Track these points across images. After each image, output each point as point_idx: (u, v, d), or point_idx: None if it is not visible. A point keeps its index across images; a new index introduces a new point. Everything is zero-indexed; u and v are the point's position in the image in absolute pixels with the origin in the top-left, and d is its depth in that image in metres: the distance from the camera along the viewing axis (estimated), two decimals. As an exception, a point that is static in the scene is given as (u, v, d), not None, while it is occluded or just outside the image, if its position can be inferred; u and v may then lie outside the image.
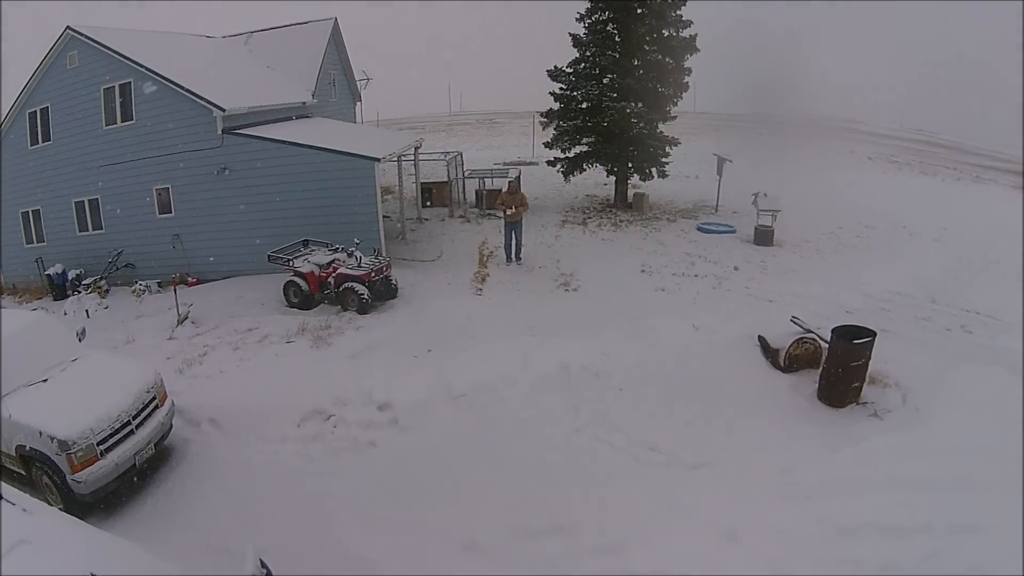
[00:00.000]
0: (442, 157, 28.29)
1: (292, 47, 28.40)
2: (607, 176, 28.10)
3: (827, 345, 12.74)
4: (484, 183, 27.36)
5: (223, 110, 20.13)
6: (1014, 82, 37.09)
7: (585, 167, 27.39)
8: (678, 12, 25.66)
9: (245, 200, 20.86)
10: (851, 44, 55.98)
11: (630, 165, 26.96)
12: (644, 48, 25.99)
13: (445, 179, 28.19)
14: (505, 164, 35.81)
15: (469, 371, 13.40)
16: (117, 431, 10.33)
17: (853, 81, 52.17)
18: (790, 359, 13.49)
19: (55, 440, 9.64)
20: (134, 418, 10.67)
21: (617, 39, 26.07)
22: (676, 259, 20.84)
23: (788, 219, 22.72)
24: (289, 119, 24.25)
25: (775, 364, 13.67)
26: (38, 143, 22.64)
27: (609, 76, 26.38)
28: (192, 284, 21.02)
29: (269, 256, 18.46)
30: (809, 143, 40.49)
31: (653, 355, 14.12)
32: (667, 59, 25.99)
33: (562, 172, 27.34)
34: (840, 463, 10.55)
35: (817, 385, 12.74)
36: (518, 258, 20.71)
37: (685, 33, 25.79)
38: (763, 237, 22.53)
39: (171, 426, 11.68)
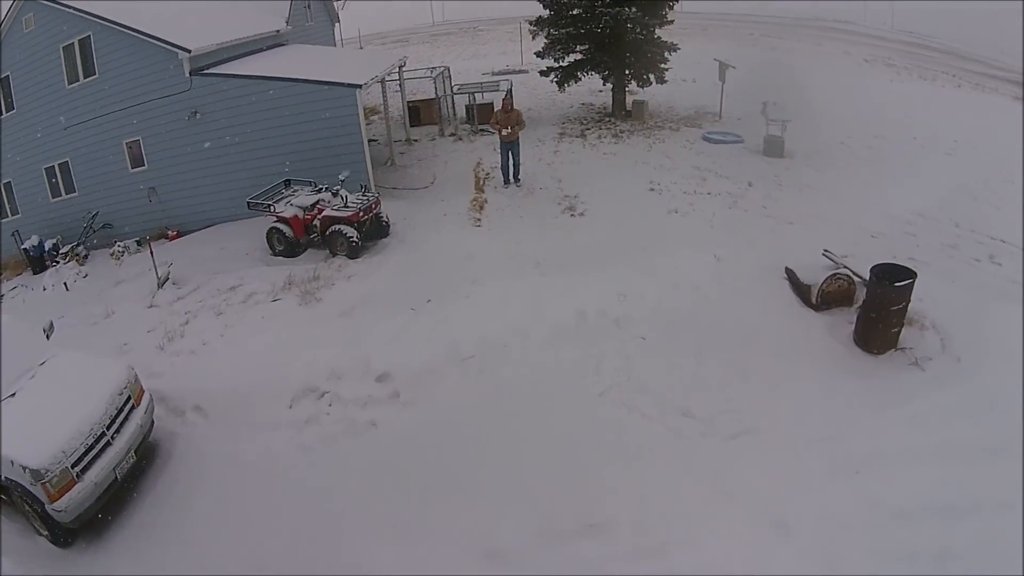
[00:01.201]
0: (428, 73, 26.16)
1: None
2: (603, 84, 26.07)
3: (860, 280, 11.97)
4: (474, 98, 25.31)
5: (188, 51, 18.12)
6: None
7: (580, 76, 25.42)
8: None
9: (220, 143, 19.01)
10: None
11: (627, 72, 25.01)
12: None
13: (433, 96, 26.21)
14: (494, 74, 33.87)
15: (475, 325, 11.99)
16: (92, 447, 8.98)
17: None
18: (823, 296, 12.21)
19: (27, 470, 8.34)
20: (109, 427, 9.30)
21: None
22: (685, 174, 19.23)
23: (795, 127, 21.03)
24: (263, 50, 22.26)
25: (806, 301, 12.37)
26: (2, 114, 20.72)
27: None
28: (173, 237, 19.40)
29: (249, 203, 16.71)
30: (802, 43, 39.52)
31: (675, 295, 12.71)
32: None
33: (556, 82, 25.36)
34: (887, 429, 9.48)
35: (853, 328, 11.50)
36: (516, 180, 19.10)
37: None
38: (773, 147, 20.92)
39: (152, 423, 10.31)
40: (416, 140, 24.27)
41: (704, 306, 12.43)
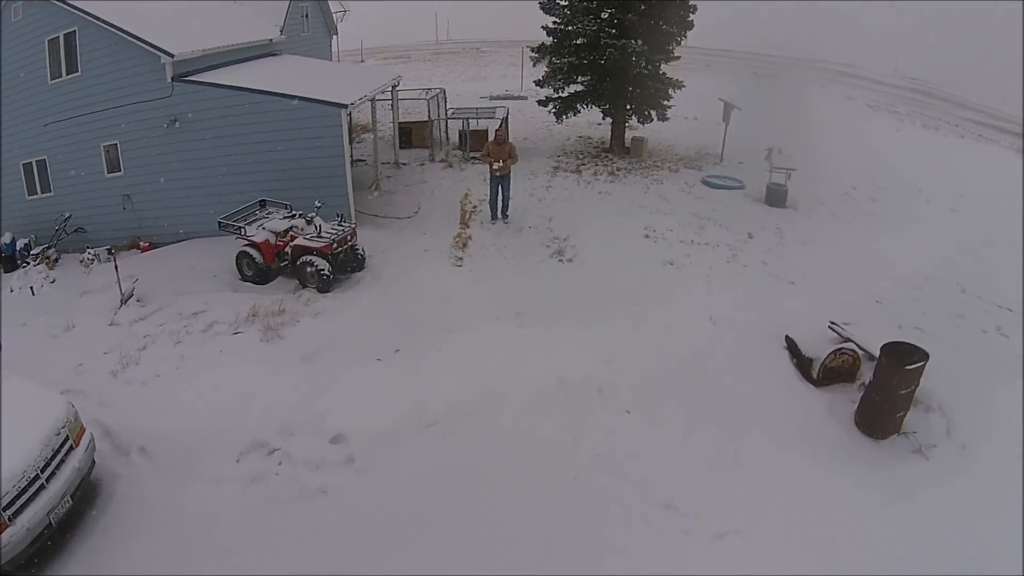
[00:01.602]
0: (423, 94, 25.14)
1: None
2: (603, 118, 25.11)
3: (865, 354, 11.26)
4: (468, 124, 24.23)
5: (171, 55, 17.09)
6: (1013, 40, 38.31)
7: (579, 108, 24.40)
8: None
9: (199, 155, 17.97)
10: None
11: (629, 107, 24.05)
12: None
13: (426, 119, 25.09)
14: (492, 99, 32.98)
15: (445, 383, 10.98)
16: (24, 490, 8.13)
17: (851, 23, 49.75)
18: (825, 372, 11.31)
19: (-43, 510, 7.41)
20: (44, 469, 8.42)
21: (617, -31, 22.89)
22: (683, 221, 18.24)
23: (798, 175, 20.07)
24: (254, 59, 21.32)
25: (806, 375, 11.48)
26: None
27: (608, 10, 23.27)
28: (145, 249, 18.35)
29: (220, 223, 15.69)
30: (806, 85, 38.08)
31: (666, 361, 11.75)
32: (672, -7, 22.91)
33: (554, 113, 24.32)
34: (890, 530, 8.59)
35: (856, 409, 10.58)
36: (505, 215, 18.09)
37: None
38: (776, 197, 19.97)
39: (93, 463, 9.38)
40: (405, 164, 23.24)
41: (697, 376, 11.44)
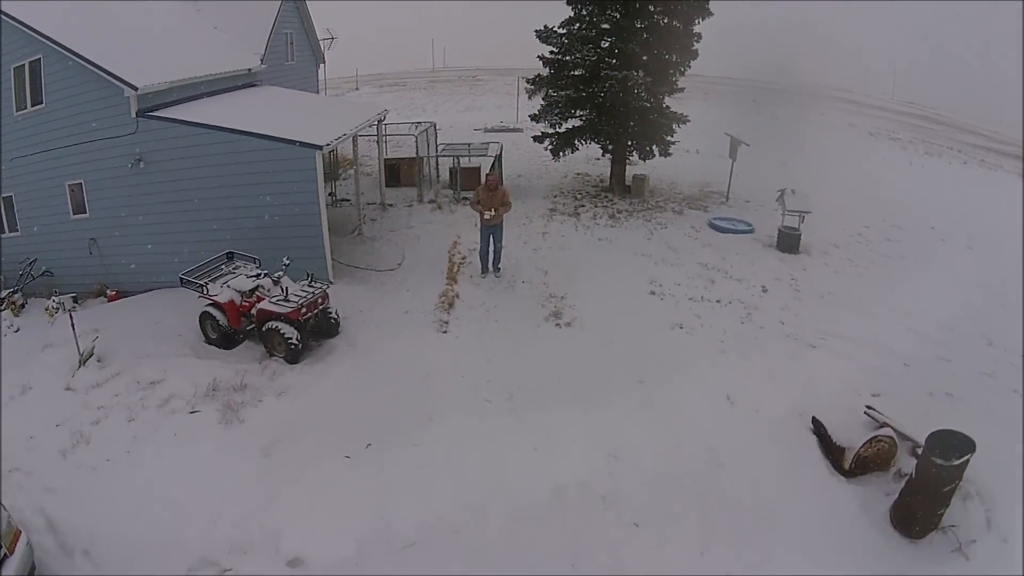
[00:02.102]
0: (412, 128, 23.56)
1: (244, 5, 23.53)
2: (602, 154, 23.55)
3: (901, 437, 10.18)
4: (459, 161, 22.56)
5: (135, 88, 15.46)
6: (1014, 63, 37.51)
7: (578, 144, 22.81)
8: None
9: (166, 198, 16.33)
10: (848, 9, 52.62)
11: (630, 143, 22.50)
12: (648, 9, 21.50)
13: (416, 154, 23.42)
14: (486, 131, 31.46)
15: (421, 492, 9.43)
16: None
17: (848, 48, 49.83)
18: (858, 462, 10.04)
19: None
20: None
21: (618, -3, 21.43)
22: (691, 273, 16.73)
23: (810, 214, 18.76)
24: (231, 90, 19.75)
25: (837, 466, 10.17)
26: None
27: (608, 39, 21.90)
28: (112, 298, 16.85)
29: (181, 279, 14.12)
30: (806, 112, 38.19)
31: (679, 456, 10.21)
32: (674, 22, 21.55)
33: (550, 150, 22.70)
34: None
35: (892, 505, 9.40)
36: (496, 268, 16.48)
37: (697, -7, 21.19)
38: (788, 242, 18.57)
39: (33, 567, 8.21)
40: (391, 205, 21.63)
41: (714, 473, 9.95)
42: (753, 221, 20.42)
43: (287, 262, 13.65)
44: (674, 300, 15.27)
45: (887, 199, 23.32)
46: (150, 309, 15.47)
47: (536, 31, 21.98)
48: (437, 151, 23.97)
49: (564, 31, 21.82)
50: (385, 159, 23.24)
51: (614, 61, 21.43)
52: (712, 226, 20.15)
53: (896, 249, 19.06)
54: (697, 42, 21.89)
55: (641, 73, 20.61)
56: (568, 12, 21.85)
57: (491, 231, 15.92)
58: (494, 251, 16.22)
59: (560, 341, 13.55)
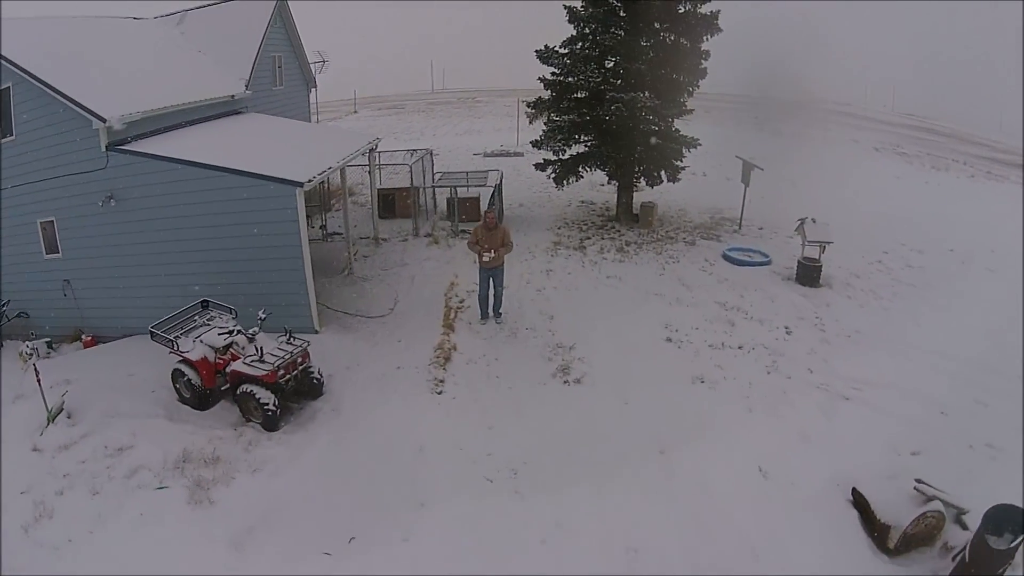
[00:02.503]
0: (407, 156, 22.13)
1: (230, 27, 22.12)
2: (608, 181, 22.12)
3: (943, 503, 9.13)
4: (457, 191, 21.09)
5: (103, 120, 14.09)
6: (1013, 70, 38.12)
7: (582, 172, 21.35)
8: (693, -17, 19.73)
9: (140, 238, 14.98)
10: (847, 21, 51.92)
11: (637, 170, 21.09)
12: (655, 26, 20.08)
13: (411, 183, 21.76)
14: (485, 155, 30.08)
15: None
16: None
17: (845, 60, 48.21)
18: (905, 540, 9.05)
19: None
20: None
21: (622, 14, 20.08)
22: (709, 315, 15.30)
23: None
24: (213, 119, 18.42)
25: (880, 544, 9.16)
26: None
27: (613, 59, 20.45)
28: (88, 344, 15.63)
29: (151, 332, 12.75)
30: (808, 128, 37.09)
31: (708, 546, 8.91)
32: (682, 40, 20.15)
33: (553, 178, 21.26)
34: None
35: None
36: (497, 313, 15.06)
37: (704, 9, 19.86)
38: (809, 275, 17.15)
39: None
40: (385, 239, 20.18)
41: (748, 566, 8.63)
42: (769, 251, 19.10)
43: (263, 316, 12.22)
44: (693, 348, 13.86)
45: (901, 219, 22.20)
46: (124, 359, 14.19)
47: (537, 51, 20.61)
48: (434, 181, 22.50)
49: (566, 51, 20.46)
50: (379, 189, 21.87)
51: (619, 82, 20.04)
52: (727, 258, 18.74)
53: (918, 277, 17.96)
54: (705, 60, 20.47)
55: (648, 95, 19.20)
56: (570, 31, 20.54)
57: (491, 273, 14.51)
58: (494, 295, 14.79)
59: (569, 402, 12.09)
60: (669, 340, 14.12)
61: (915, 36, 53.67)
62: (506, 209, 22.26)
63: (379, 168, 21.90)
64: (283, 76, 23.67)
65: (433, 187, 22.26)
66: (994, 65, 43.62)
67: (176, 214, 14.52)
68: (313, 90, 26.98)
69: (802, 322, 15.14)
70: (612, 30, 19.69)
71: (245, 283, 14.28)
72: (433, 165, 23.77)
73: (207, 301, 13.62)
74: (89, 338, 15.70)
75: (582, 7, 20.14)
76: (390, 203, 22.15)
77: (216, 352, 12.15)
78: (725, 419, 11.54)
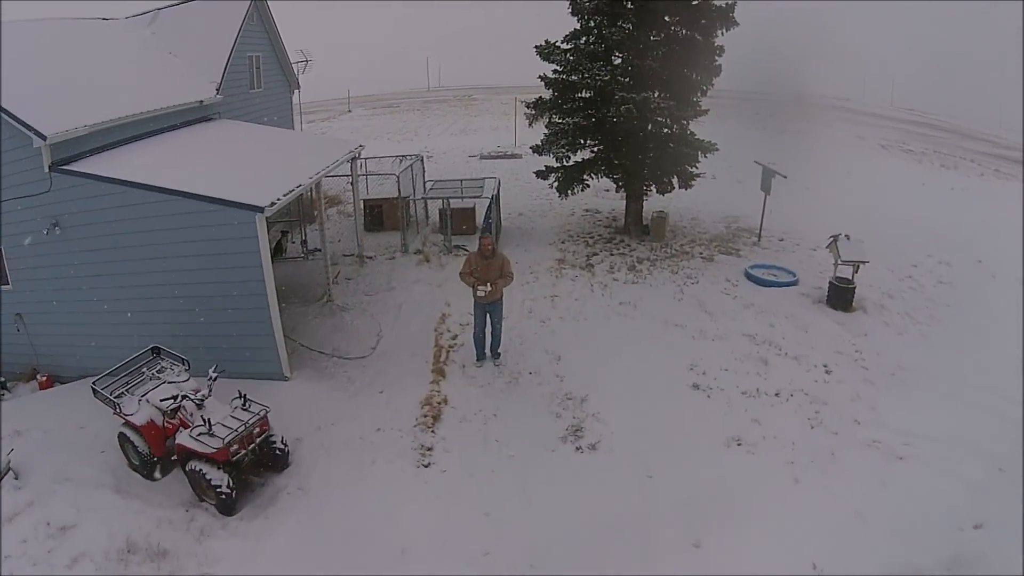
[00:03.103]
0: (396, 163, 19.98)
1: (204, 26, 19.85)
2: (616, 190, 19.92)
3: None
4: (450, 203, 18.87)
5: (43, 137, 11.90)
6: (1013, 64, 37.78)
7: (587, 180, 19.13)
8: (706, -28, 17.55)
9: (89, 269, 12.81)
10: (844, 17, 50.47)
11: (648, 174, 18.91)
12: (665, 19, 17.97)
13: (401, 193, 19.31)
14: (482, 157, 27.95)
15: None
16: None
17: (843, 54, 47.83)
18: None
19: None
20: None
21: (629, 6, 17.85)
22: (738, 350, 13.23)
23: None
24: (179, 128, 16.29)
25: None
26: None
27: (620, 56, 18.26)
28: (44, 384, 13.65)
29: (93, 389, 10.68)
30: (812, 125, 36.29)
31: None
32: (695, 34, 17.98)
33: (556, 187, 19.07)
34: None
35: None
36: (496, 354, 12.95)
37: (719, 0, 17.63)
38: (841, 297, 15.17)
39: None
40: (371, 258, 18.02)
41: None
42: (793, 266, 17.19)
43: (214, 376, 10.04)
44: (724, 396, 11.79)
45: (922, 226, 20.62)
46: (77, 407, 12.02)
47: (536, 47, 18.46)
48: (425, 190, 20.31)
49: (569, 46, 18.30)
50: (365, 200, 19.70)
51: (627, 81, 17.88)
52: (750, 277, 16.70)
53: (951, 295, 16.24)
54: (719, 56, 18.27)
55: (659, 94, 17.07)
56: (572, 26, 18.41)
57: (487, 308, 12.41)
58: (492, 332, 12.68)
59: (583, 476, 9.93)
60: (696, 386, 12.03)
61: (913, 31, 52.23)
62: (504, 219, 20.10)
63: (366, 177, 19.73)
64: (262, 78, 21.43)
65: (424, 199, 20.04)
66: (992, 60, 43.00)
67: (127, 243, 12.35)
68: (297, 91, 24.65)
69: (841, 357, 13.12)
70: (619, 23, 17.52)
71: (204, 322, 12.26)
72: (424, 172, 21.58)
73: (158, 348, 11.45)
74: (44, 378, 13.73)
75: (585, -2, 17.96)
76: (377, 215, 20.01)
77: (164, 415, 10.00)
78: (769, 495, 9.48)
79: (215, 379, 9.95)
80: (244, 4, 19.91)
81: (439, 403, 11.49)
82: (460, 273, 12.40)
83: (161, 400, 9.93)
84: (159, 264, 12.26)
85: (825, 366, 12.79)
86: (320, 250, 17.76)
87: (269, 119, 21.43)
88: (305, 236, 18.54)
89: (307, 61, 25.69)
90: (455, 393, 11.84)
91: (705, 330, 13.94)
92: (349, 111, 46.07)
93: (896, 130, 37.87)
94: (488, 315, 12.40)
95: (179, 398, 9.79)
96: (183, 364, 10.92)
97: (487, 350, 12.77)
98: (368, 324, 14.35)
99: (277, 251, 18.31)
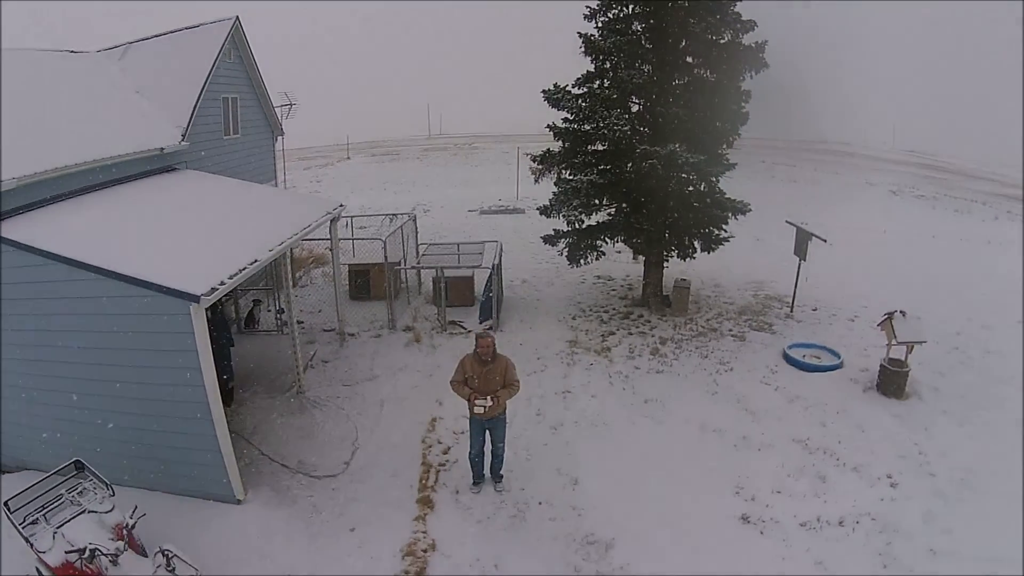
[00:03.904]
0: (385, 221, 17.40)
1: (177, 62, 17.25)
2: (634, 257, 17.34)
3: None
4: (444, 273, 16.21)
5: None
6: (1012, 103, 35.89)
7: (602, 245, 16.49)
8: (734, 9, 15.31)
9: (15, 352, 10.12)
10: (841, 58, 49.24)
11: (670, 239, 16.41)
12: (687, 61, 15.71)
13: (385, 261, 16.52)
14: (481, 212, 25.48)
15: None
16: None
17: (840, 99, 46.26)
18: None
19: None
20: None
21: (648, 45, 15.60)
22: (789, 462, 10.72)
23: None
24: (132, 179, 13.66)
25: None
26: None
27: (639, 102, 15.85)
28: None
29: (6, 508, 8.07)
30: (818, 173, 35.58)
31: None
32: (721, 78, 15.64)
33: (566, 255, 16.46)
34: None
35: None
36: (497, 478, 10.23)
37: (747, 39, 15.48)
38: (894, 383, 12.81)
39: None
40: (353, 335, 15.38)
41: None
42: (834, 343, 14.88)
43: (131, 522, 7.39)
44: (779, 530, 9.24)
45: (951, 283, 18.88)
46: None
47: (544, 92, 15.99)
48: (417, 254, 17.72)
49: (582, 91, 15.83)
50: (350, 265, 17.11)
51: (646, 131, 15.43)
52: (790, 360, 14.19)
53: (1002, 367, 14.03)
54: (746, 102, 15.95)
55: (682, 147, 14.58)
56: (584, 68, 16.04)
57: (488, 425, 9.71)
58: (493, 453, 10.00)
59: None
60: (746, 519, 9.41)
61: (912, 71, 50.56)
62: (506, 288, 17.50)
63: (352, 241, 17.23)
64: (239, 122, 18.85)
65: (417, 268, 17.40)
66: (990, 98, 41.65)
67: (51, 325, 9.76)
68: (281, 138, 22.05)
69: (905, 463, 10.76)
70: (638, 64, 15.11)
71: (139, 428, 9.56)
72: (417, 233, 18.99)
73: (81, 463, 8.79)
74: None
75: (600, 35, 15.50)
76: (364, 283, 17.42)
77: (82, 558, 7.34)
78: None
79: (132, 526, 7.33)
80: (220, 36, 17.37)
81: (425, 550, 8.75)
82: (452, 382, 9.65)
83: (66, 552, 7.30)
84: (87, 355, 9.64)
85: (889, 477, 10.39)
86: (301, 322, 15.22)
87: (247, 169, 18.84)
88: (280, 305, 15.87)
89: (291, 104, 23.24)
90: (446, 534, 9.11)
91: (749, 436, 11.35)
92: (348, 158, 44.57)
93: (903, 174, 36.73)
94: (487, 432, 9.72)
95: (88, 553, 7.14)
96: (106, 489, 8.30)
97: (486, 470, 10.06)
98: (342, 428, 11.64)
99: (249, 322, 15.75)
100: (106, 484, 8.47)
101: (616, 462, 10.59)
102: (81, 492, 8.45)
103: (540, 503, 9.72)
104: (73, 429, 9.79)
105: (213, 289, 8.77)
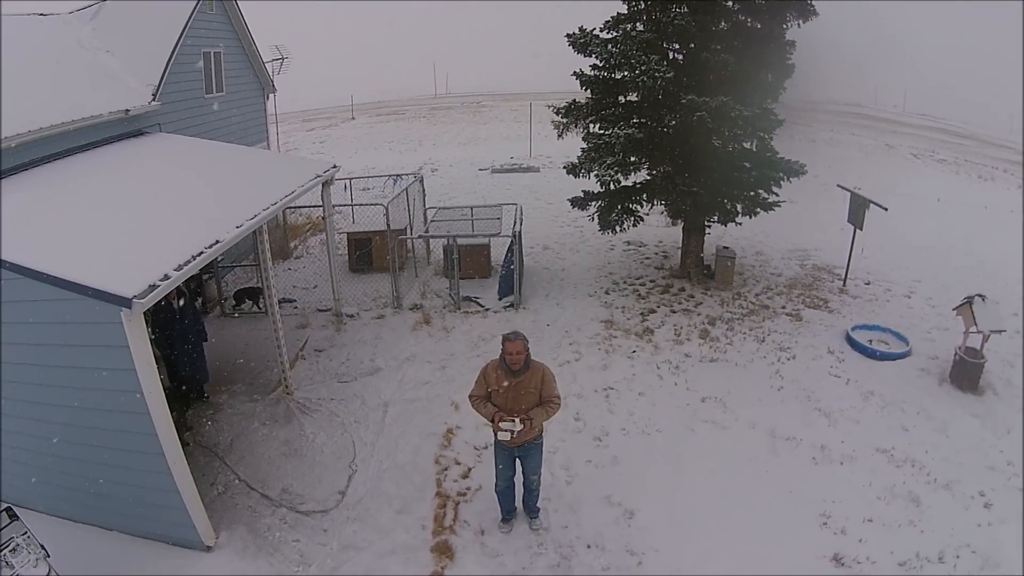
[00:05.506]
0: (389, 183, 14.98)
1: (151, 19, 14.76)
2: (672, 223, 14.95)
3: None
4: (456, 241, 13.73)
5: None
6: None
7: (640, 211, 14.06)
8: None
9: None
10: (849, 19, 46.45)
11: (714, 203, 13.90)
12: (728, 4, 13.19)
13: (388, 229, 13.59)
14: (494, 171, 23.13)
15: None
16: None
17: (852, 58, 42.87)
18: None
19: None
20: None
21: (684, -17, 12.95)
22: (875, 480, 8.54)
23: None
24: (96, 145, 11.41)
25: None
26: None
27: (679, 49, 13.39)
28: None
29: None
30: (838, 134, 33.20)
31: None
32: (764, 26, 13.27)
33: (597, 219, 14.05)
34: None
35: None
36: (533, 515, 7.83)
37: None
38: (969, 375, 10.83)
39: None
40: (352, 316, 13.03)
41: None
42: (894, 322, 12.73)
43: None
44: (878, 573, 7.12)
45: (991, 258, 16.53)
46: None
47: (568, 36, 13.46)
48: (425, 219, 15.33)
49: (612, 35, 13.34)
50: (350, 233, 14.75)
51: (687, 80, 13.06)
52: (855, 345, 11.96)
53: None
54: (791, 53, 13.49)
55: (731, 100, 12.26)
56: (614, 9, 13.58)
57: (519, 453, 7.33)
58: (524, 484, 7.63)
59: None
60: (839, 560, 7.28)
61: (923, 36, 48.08)
62: (526, 255, 15.12)
63: (352, 207, 14.84)
64: (223, 79, 16.34)
65: (425, 237, 14.97)
66: (1001, 63, 38.82)
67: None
68: (272, 96, 19.49)
69: (994, 476, 8.79)
70: (673, 6, 12.69)
71: (80, 460, 7.43)
72: (424, 195, 16.56)
73: (12, 510, 6.62)
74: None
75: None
76: (365, 253, 15.03)
77: None
78: None
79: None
80: (196, -12, 14.88)
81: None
82: (471, 396, 7.21)
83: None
84: (17, 371, 7.39)
85: (982, 495, 8.45)
86: (291, 301, 12.90)
87: (233, 129, 16.44)
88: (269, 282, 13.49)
89: (283, 59, 20.68)
90: (468, 599, 6.83)
91: (828, 446, 9.15)
92: (352, 118, 42.43)
93: (920, 138, 34.49)
94: (517, 460, 7.39)
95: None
96: (42, 550, 6.14)
97: (516, 504, 7.74)
98: (337, 442, 9.32)
99: (239, 303, 13.44)
100: (40, 545, 6.30)
101: (677, 485, 8.32)
102: (14, 548, 6.33)
103: (588, 546, 7.45)
104: (8, 455, 7.74)
105: (152, 287, 6.45)
